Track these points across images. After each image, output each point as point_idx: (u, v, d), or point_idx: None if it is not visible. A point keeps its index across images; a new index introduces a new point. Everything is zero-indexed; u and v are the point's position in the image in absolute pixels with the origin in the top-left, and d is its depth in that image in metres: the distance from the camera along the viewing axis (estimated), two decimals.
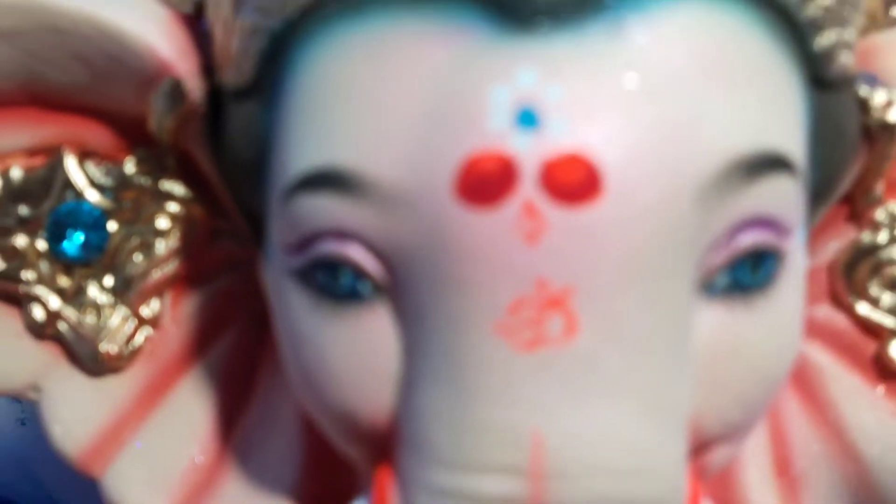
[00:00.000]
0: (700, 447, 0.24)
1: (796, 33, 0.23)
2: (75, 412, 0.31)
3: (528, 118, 0.20)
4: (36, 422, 0.79)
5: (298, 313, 0.24)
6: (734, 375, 0.23)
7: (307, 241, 0.23)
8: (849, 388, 0.31)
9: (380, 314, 0.22)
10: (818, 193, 0.26)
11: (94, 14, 0.26)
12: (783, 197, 0.22)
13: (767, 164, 0.21)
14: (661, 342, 0.21)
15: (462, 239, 0.20)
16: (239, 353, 0.31)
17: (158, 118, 0.27)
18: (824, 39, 0.23)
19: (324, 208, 0.22)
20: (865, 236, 0.30)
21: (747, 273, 0.22)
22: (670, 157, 0.20)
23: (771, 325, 0.23)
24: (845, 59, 0.24)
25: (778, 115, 0.22)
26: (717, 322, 0.22)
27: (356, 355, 0.23)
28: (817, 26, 0.23)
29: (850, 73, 0.25)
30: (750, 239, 0.22)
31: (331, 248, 0.22)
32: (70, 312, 0.31)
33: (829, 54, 0.23)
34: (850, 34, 0.24)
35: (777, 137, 0.22)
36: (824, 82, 0.24)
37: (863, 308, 0.30)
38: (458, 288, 0.21)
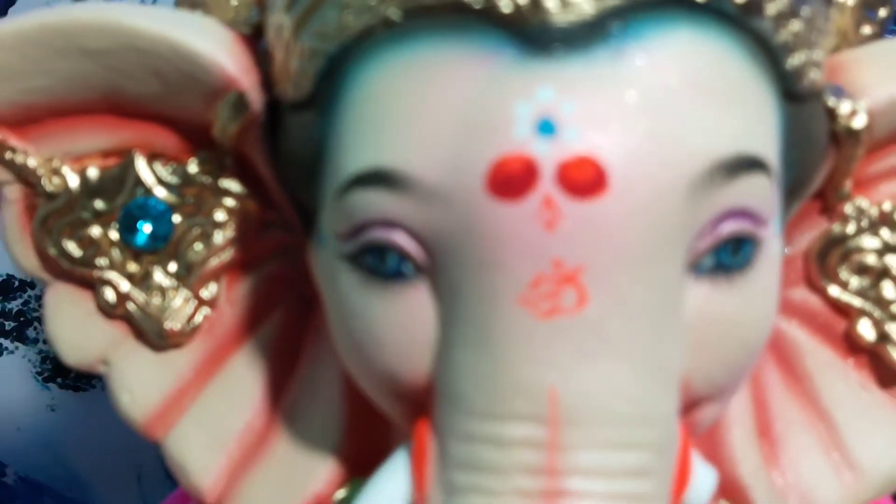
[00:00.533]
0: (690, 405, 0.28)
1: (771, 55, 0.27)
2: (141, 382, 0.36)
3: (546, 127, 0.24)
4: (65, 409, 0.84)
5: (349, 291, 0.28)
6: (718, 342, 0.27)
7: (358, 229, 0.27)
8: (822, 361, 0.35)
9: (420, 290, 0.27)
10: (792, 190, 0.30)
11: (170, 36, 0.30)
12: (759, 192, 0.26)
13: (745, 164, 0.25)
14: (657, 313, 0.25)
15: (492, 227, 0.24)
16: (286, 329, 0.35)
17: (222, 125, 0.32)
18: (795, 60, 0.27)
19: (373, 202, 0.26)
20: (836, 228, 0.34)
21: (729, 256, 0.26)
22: (664, 160, 0.24)
23: (749, 300, 0.27)
24: (814, 76, 0.28)
25: (755, 124, 0.26)
26: (703, 297, 0.26)
27: (400, 325, 0.27)
28: (788, 49, 0.27)
29: (819, 87, 0.29)
30: (731, 227, 0.26)
31: (379, 235, 0.26)
32: (138, 294, 0.35)
33: (799, 72, 0.27)
34: (817, 54, 0.28)
35: (754, 143, 0.26)
36: (795, 96, 0.28)
37: (834, 290, 0.34)
38: (488, 267, 0.25)
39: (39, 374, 0.84)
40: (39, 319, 0.83)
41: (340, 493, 0.33)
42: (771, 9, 0.26)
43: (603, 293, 0.24)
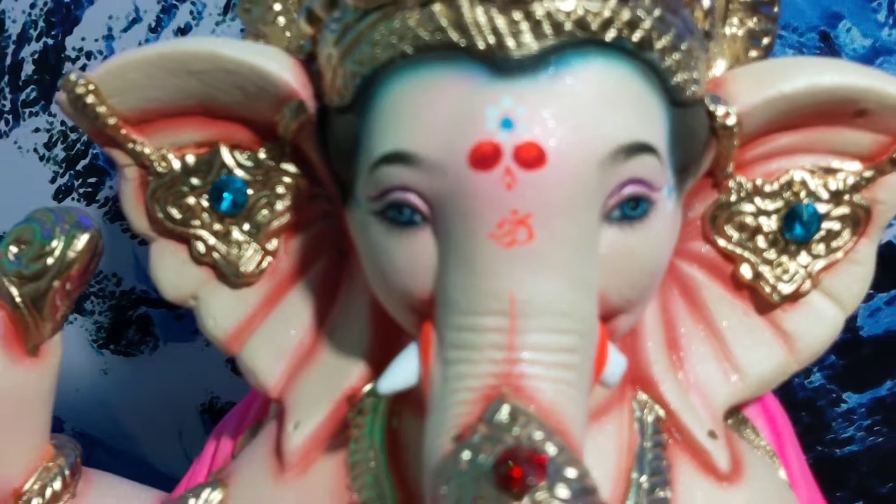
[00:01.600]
0: (609, 315, 0.41)
1: (659, 76, 0.39)
2: (222, 311, 0.49)
3: (507, 123, 0.37)
4: (116, 372, 0.98)
5: (377, 236, 0.41)
6: (625, 268, 0.40)
7: (383, 193, 0.39)
8: (716, 294, 0.48)
9: (426, 233, 0.39)
10: (684, 168, 0.43)
11: (250, 60, 0.44)
12: (650, 168, 0.39)
13: (639, 148, 0.38)
14: (581, 245, 0.38)
15: (472, 188, 0.37)
16: (328, 272, 0.48)
17: (285, 124, 0.45)
18: (677, 79, 0.40)
19: (394, 173, 0.39)
20: (723, 197, 0.47)
21: (630, 210, 0.39)
22: (583, 144, 0.37)
23: (646, 240, 0.40)
24: (694, 89, 0.41)
25: (647, 122, 0.39)
26: (613, 237, 0.39)
27: (412, 257, 0.40)
28: (672, 72, 0.40)
29: (699, 97, 0.42)
30: (630, 190, 0.39)
31: (398, 196, 0.39)
32: (221, 247, 0.48)
33: (681, 87, 0.40)
34: (696, 74, 0.41)
35: (645, 134, 0.39)
36: (679, 103, 0.40)
37: (722, 242, 0.47)
38: (469, 215, 0.38)
39: (95, 341, 0.97)
40: (95, 294, 0.96)
41: (368, 387, 0.46)
42: (658, 45, 0.39)
43: (544, 231, 0.37)
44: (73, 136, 0.92)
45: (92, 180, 0.93)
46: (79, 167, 0.93)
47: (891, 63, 0.82)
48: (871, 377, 0.90)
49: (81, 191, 0.93)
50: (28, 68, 0.91)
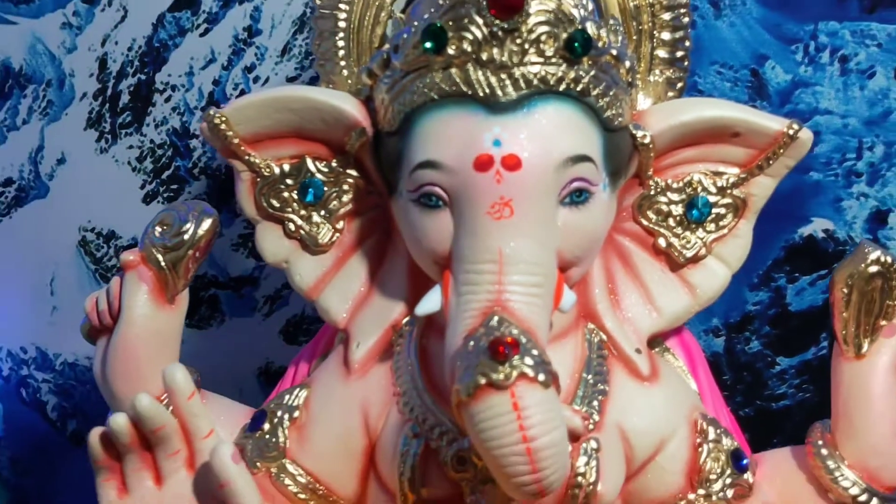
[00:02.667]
0: (564, 266, 0.63)
1: (596, 113, 0.61)
2: (305, 271, 0.71)
3: (497, 143, 0.59)
4: (190, 342, 1.16)
5: (414, 216, 0.63)
6: (573, 235, 0.61)
7: (418, 187, 0.61)
8: (642, 258, 0.70)
9: (445, 212, 0.61)
10: (615, 173, 0.64)
11: (331, 101, 0.66)
12: (589, 171, 0.61)
13: (580, 158, 0.60)
14: (544, 220, 0.60)
15: (474, 184, 0.59)
16: (377, 243, 0.70)
17: (351, 143, 0.67)
18: (608, 114, 0.62)
19: (426, 174, 0.61)
20: (645, 192, 0.69)
21: (576, 197, 0.61)
22: (545, 156, 0.59)
23: (587, 217, 0.61)
24: (619, 120, 0.63)
25: (586, 142, 0.61)
26: (565, 214, 0.61)
27: (437, 228, 0.61)
28: (604, 109, 0.61)
29: (624, 125, 0.64)
30: (576, 185, 0.60)
31: (428, 188, 0.61)
32: (305, 226, 0.70)
33: (610, 119, 0.62)
34: (621, 110, 0.63)
35: (585, 149, 0.60)
36: (609, 130, 0.62)
37: (645, 222, 0.69)
38: (473, 201, 0.59)
39: None
40: None
41: (406, 319, 0.69)
42: (593, 93, 0.61)
43: (520, 210, 0.59)
44: (159, 151, 1.15)
45: (174, 187, 1.16)
46: (163, 176, 1.16)
47: (806, 93, 1.05)
48: (799, 344, 1.11)
49: (165, 195, 1.16)
50: (125, 98, 1.14)
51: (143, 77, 1.13)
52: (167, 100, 1.13)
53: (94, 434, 0.57)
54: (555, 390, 0.55)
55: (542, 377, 0.54)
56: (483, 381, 0.54)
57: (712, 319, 1.12)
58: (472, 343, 0.56)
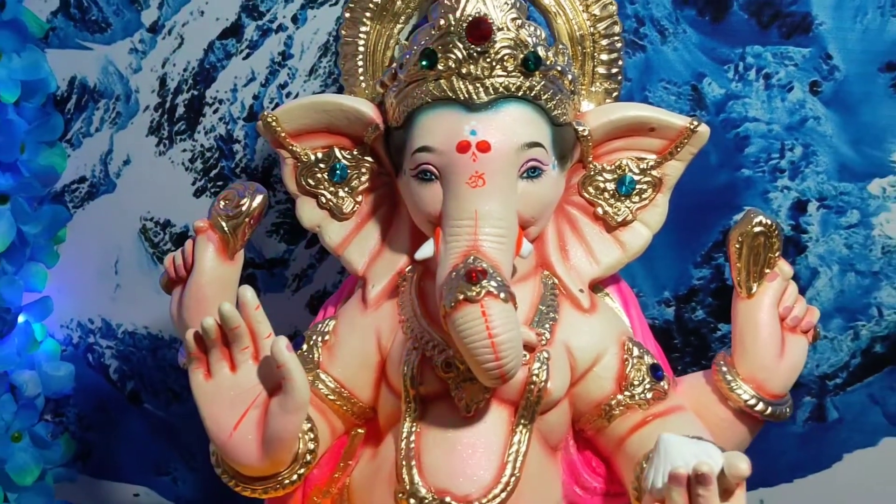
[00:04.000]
0: (524, 224, 0.85)
1: (545, 112, 0.84)
2: (332, 233, 0.94)
3: (473, 132, 0.81)
4: None
5: (414, 188, 0.85)
6: (529, 201, 0.84)
7: (417, 166, 0.84)
8: (584, 223, 0.93)
9: (437, 184, 0.83)
10: (562, 157, 0.88)
11: (353, 105, 0.90)
12: (541, 154, 0.83)
13: (534, 144, 0.83)
14: (508, 189, 0.82)
15: (457, 162, 0.82)
16: (387, 212, 0.94)
17: (368, 136, 0.91)
18: (554, 113, 0.84)
19: (423, 156, 0.83)
20: (587, 172, 0.92)
21: (531, 173, 0.83)
22: (508, 141, 0.81)
23: (539, 189, 0.84)
24: (564, 118, 0.86)
25: (538, 133, 0.83)
26: (523, 186, 0.83)
27: (431, 196, 0.84)
28: (552, 110, 0.84)
29: (568, 122, 0.87)
30: (531, 164, 0.82)
31: (424, 167, 0.83)
32: (333, 199, 0.94)
33: (556, 117, 0.85)
34: (566, 111, 0.86)
35: (538, 138, 0.83)
36: (556, 125, 0.85)
37: (587, 195, 0.92)
38: (456, 175, 0.82)
39: None
40: None
41: (409, 268, 0.92)
42: (544, 97, 0.84)
43: (490, 182, 0.82)
44: (207, 154, 1.39)
45: (220, 183, 1.39)
46: (211, 175, 1.40)
47: (737, 104, 1.28)
48: None
49: (212, 190, 1.40)
50: (180, 110, 1.39)
51: (195, 93, 1.38)
52: (215, 111, 1.38)
53: (190, 334, 0.80)
54: (512, 305, 0.79)
55: (502, 295, 0.78)
56: (461, 296, 0.77)
57: (664, 292, 1.35)
58: (454, 274, 0.79)
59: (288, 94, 1.35)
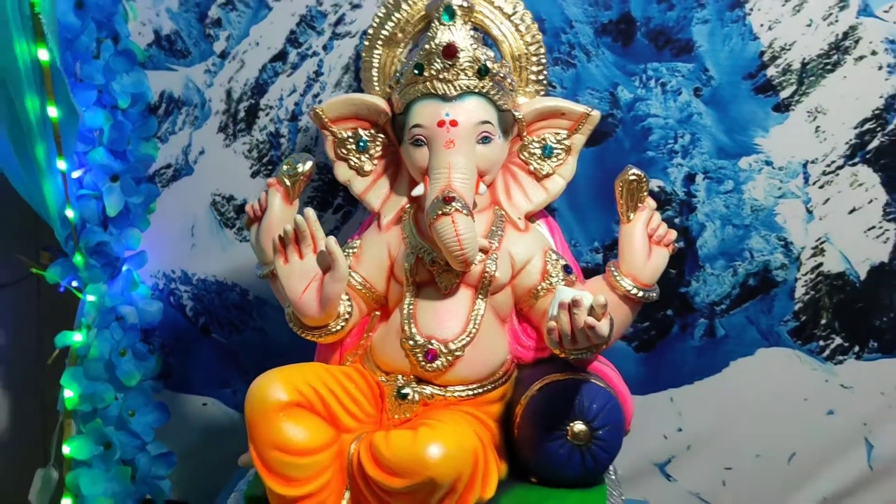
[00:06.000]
0: (480, 174, 1.36)
1: (493, 103, 1.36)
2: (359, 185, 1.47)
3: (448, 115, 1.33)
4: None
5: (411, 151, 1.36)
6: (483, 158, 1.35)
7: (413, 137, 1.35)
8: (523, 176, 1.46)
9: (425, 148, 1.34)
10: (505, 131, 1.39)
11: (373, 101, 1.42)
12: (490, 129, 1.34)
13: (486, 122, 1.33)
14: (469, 150, 1.33)
15: (437, 134, 1.33)
16: (395, 170, 1.46)
17: (381, 120, 1.43)
18: (499, 103, 1.36)
19: (416, 130, 1.34)
20: (523, 143, 1.43)
21: (484, 140, 1.34)
22: (469, 120, 1.32)
23: (490, 151, 1.35)
24: (506, 107, 1.37)
25: (489, 114, 1.34)
26: (479, 148, 1.34)
27: (421, 156, 1.35)
28: (497, 101, 1.35)
29: (508, 109, 1.38)
30: (484, 134, 1.34)
31: (417, 137, 1.34)
32: (357, 161, 1.46)
33: (500, 106, 1.36)
34: (507, 102, 1.37)
35: (488, 118, 1.34)
36: (501, 111, 1.37)
37: (523, 157, 1.44)
38: (437, 141, 1.33)
39: None
40: None
41: (408, 205, 1.43)
42: (492, 93, 1.35)
43: (458, 145, 1.32)
44: (261, 146, 1.90)
45: (270, 168, 1.90)
46: (263, 161, 1.91)
47: (642, 105, 1.79)
48: None
49: (264, 174, 1.91)
50: (241, 114, 1.90)
51: (252, 102, 1.89)
52: (266, 115, 1.89)
53: (275, 237, 1.30)
54: (471, 219, 1.29)
55: (465, 212, 1.29)
56: (440, 212, 1.28)
57: (594, 243, 1.85)
58: (435, 200, 1.30)
59: (319, 101, 1.87)
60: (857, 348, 1.85)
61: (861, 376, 1.85)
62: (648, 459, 1.92)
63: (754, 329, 1.86)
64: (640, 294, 1.40)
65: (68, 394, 1.78)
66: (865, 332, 1.84)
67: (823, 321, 1.85)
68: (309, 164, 1.46)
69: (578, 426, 1.30)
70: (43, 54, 1.57)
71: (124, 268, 1.85)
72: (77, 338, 1.79)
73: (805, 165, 1.80)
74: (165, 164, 1.94)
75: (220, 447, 1.99)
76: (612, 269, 1.42)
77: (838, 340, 1.85)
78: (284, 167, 1.46)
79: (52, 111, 1.61)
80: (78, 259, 1.77)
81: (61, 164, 1.68)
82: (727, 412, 1.89)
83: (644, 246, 1.41)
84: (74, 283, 1.82)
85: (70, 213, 1.72)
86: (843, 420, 1.87)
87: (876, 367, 1.85)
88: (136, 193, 1.81)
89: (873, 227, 1.81)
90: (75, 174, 1.74)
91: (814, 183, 1.80)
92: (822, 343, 1.85)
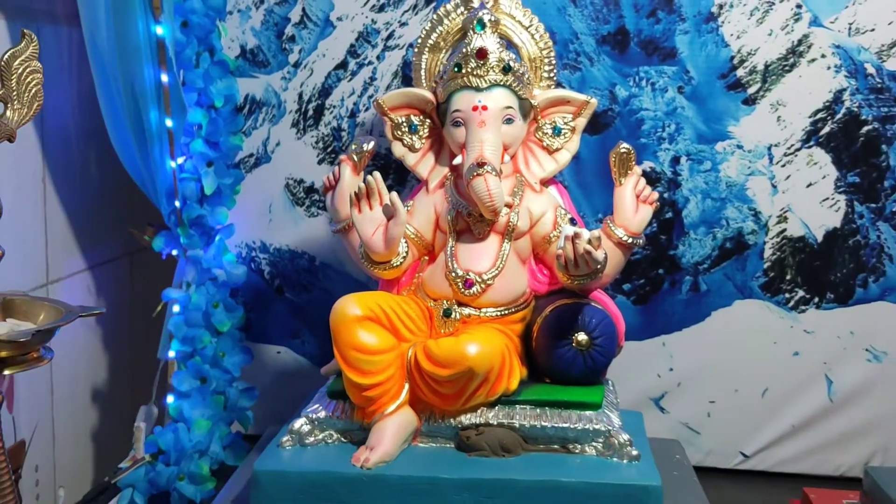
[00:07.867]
0: (505, 148, 1.78)
1: (516, 94, 1.77)
2: (410, 159, 1.90)
3: (480, 101, 1.75)
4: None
5: (452, 130, 1.78)
6: (507, 135, 1.76)
7: (454, 119, 1.77)
8: (538, 150, 1.87)
9: (463, 128, 1.75)
10: (525, 115, 1.81)
11: (422, 93, 1.85)
12: (513, 112, 1.76)
13: (509, 107, 1.75)
14: (497, 129, 1.74)
15: (473, 116, 1.74)
16: (439, 146, 1.88)
17: (428, 108, 1.86)
18: (521, 94, 1.77)
19: (456, 115, 1.76)
20: (538, 125, 1.86)
21: (508, 122, 1.76)
22: (497, 106, 1.74)
23: (513, 129, 1.76)
24: (525, 96, 1.80)
25: (512, 102, 1.75)
26: (504, 128, 1.75)
27: (460, 133, 1.76)
28: (519, 91, 1.77)
29: (527, 97, 1.80)
30: (508, 116, 1.75)
31: (457, 119, 1.77)
32: (409, 140, 1.89)
33: (521, 96, 1.78)
34: (527, 93, 1.79)
35: (512, 104, 1.75)
36: (521, 99, 1.79)
37: (537, 136, 1.86)
38: (472, 122, 1.74)
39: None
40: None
41: (449, 174, 1.86)
42: (515, 86, 1.77)
43: (488, 125, 1.74)
44: (326, 139, 2.33)
45: (333, 156, 2.33)
46: (328, 151, 2.34)
47: (636, 100, 2.21)
48: None
49: (328, 161, 2.34)
50: (310, 112, 2.34)
51: (319, 102, 2.32)
52: (331, 113, 2.32)
53: (352, 193, 1.72)
54: (498, 179, 1.72)
55: (493, 173, 1.71)
56: (476, 173, 1.71)
57: (598, 214, 2.26)
58: (471, 164, 1.72)
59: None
60: (816, 299, 2.24)
61: (821, 323, 2.25)
62: (645, 395, 2.32)
63: (731, 284, 2.27)
64: (630, 241, 1.81)
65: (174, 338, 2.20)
66: (823, 285, 2.24)
67: (788, 277, 2.25)
68: (372, 144, 1.89)
69: (581, 336, 1.71)
70: (163, 77, 2.03)
71: (217, 238, 2.28)
72: (178, 292, 2.23)
73: (770, 148, 2.21)
74: (248, 154, 2.37)
75: (292, 387, 2.40)
76: (608, 221, 1.83)
77: (801, 293, 2.25)
78: (353, 146, 1.89)
79: (168, 122, 2.07)
80: (181, 230, 2.20)
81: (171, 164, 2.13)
82: (710, 354, 2.28)
83: (632, 203, 1.82)
84: (174, 252, 2.25)
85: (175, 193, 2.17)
86: (807, 360, 2.26)
87: (833, 315, 2.24)
88: (226, 176, 2.24)
89: (827, 199, 2.21)
90: (179, 160, 2.18)
91: (777, 163, 2.21)
92: (787, 295, 2.25)
